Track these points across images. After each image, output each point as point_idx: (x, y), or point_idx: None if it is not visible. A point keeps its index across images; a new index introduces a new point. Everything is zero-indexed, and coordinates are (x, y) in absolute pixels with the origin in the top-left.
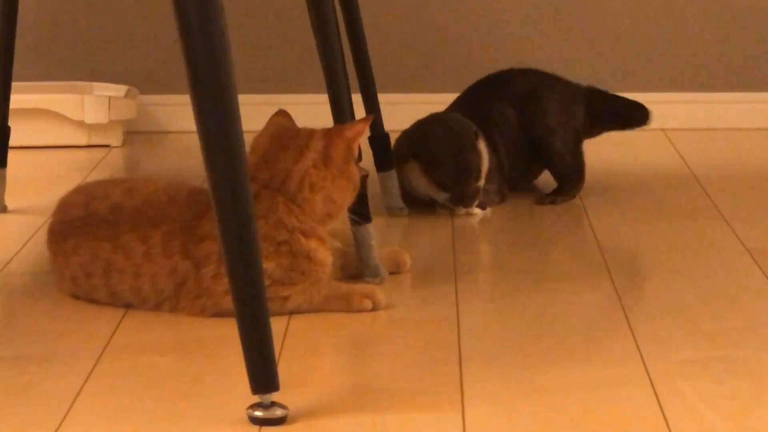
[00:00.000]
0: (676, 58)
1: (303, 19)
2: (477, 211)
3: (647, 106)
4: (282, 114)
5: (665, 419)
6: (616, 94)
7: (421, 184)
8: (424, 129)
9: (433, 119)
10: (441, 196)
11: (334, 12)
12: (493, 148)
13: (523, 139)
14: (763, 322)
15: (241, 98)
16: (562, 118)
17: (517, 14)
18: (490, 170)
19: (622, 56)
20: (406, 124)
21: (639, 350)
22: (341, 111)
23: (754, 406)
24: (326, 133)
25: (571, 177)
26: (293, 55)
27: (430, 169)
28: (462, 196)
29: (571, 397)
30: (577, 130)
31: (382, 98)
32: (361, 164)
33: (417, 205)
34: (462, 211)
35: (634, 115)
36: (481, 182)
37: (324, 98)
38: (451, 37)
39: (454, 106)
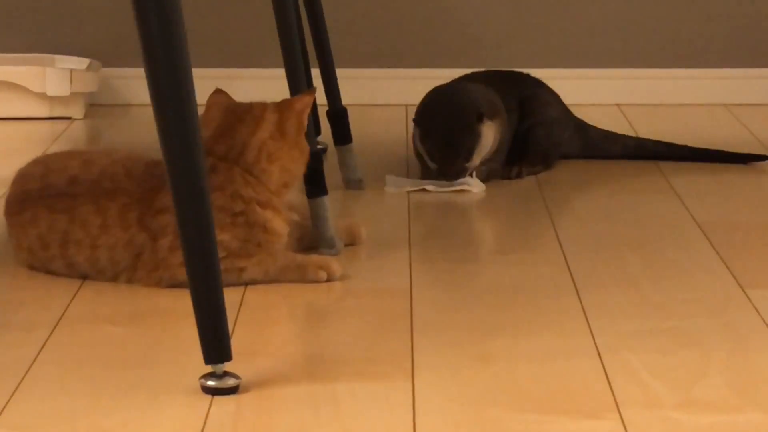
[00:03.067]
0: (631, 35)
1: None
2: (468, 188)
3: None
4: (220, 92)
5: (612, 390)
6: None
7: (419, 148)
8: (432, 98)
9: (446, 90)
10: (432, 165)
11: None
12: (503, 134)
13: (513, 134)
14: (711, 294)
15: (201, 72)
16: (552, 125)
17: None
18: (496, 151)
19: (580, 34)
20: (364, 98)
21: (587, 321)
22: (297, 85)
23: (700, 377)
24: (278, 106)
25: (538, 157)
26: (252, 29)
27: (424, 139)
28: (446, 172)
29: (519, 367)
30: (557, 142)
31: (340, 73)
32: (320, 138)
33: (423, 162)
34: (452, 186)
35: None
36: (473, 162)
37: (280, 73)
38: (410, 12)
39: (475, 80)
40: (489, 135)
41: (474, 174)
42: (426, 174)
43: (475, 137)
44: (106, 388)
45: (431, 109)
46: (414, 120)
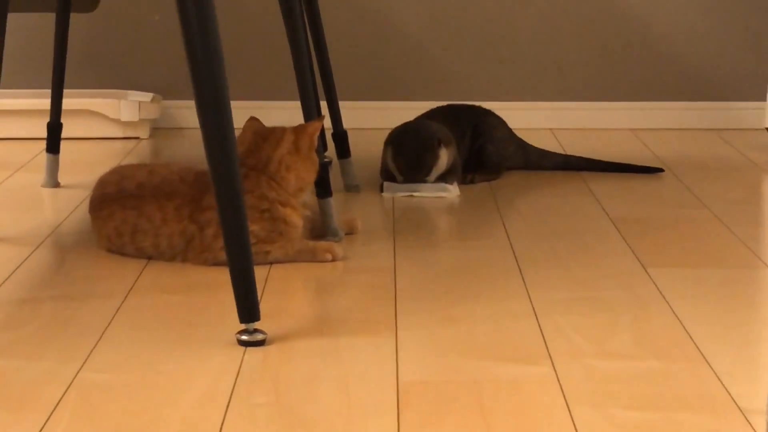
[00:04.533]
0: (561, 77)
1: (284, 44)
2: (442, 193)
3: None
4: (254, 119)
5: (545, 343)
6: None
7: (390, 164)
8: (404, 127)
9: (415, 123)
10: (399, 178)
11: (307, 40)
12: (455, 158)
13: (467, 153)
14: (619, 272)
15: (237, 103)
16: (501, 143)
17: (443, 41)
18: (450, 171)
19: (523, 76)
20: (361, 124)
21: (527, 291)
22: (310, 113)
23: (611, 334)
24: (295, 129)
25: (490, 168)
26: (276, 72)
27: (395, 155)
28: (411, 182)
29: (476, 326)
30: (504, 156)
31: (342, 104)
32: (327, 153)
33: (390, 178)
34: (429, 191)
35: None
36: (431, 177)
37: (296, 104)
38: (394, 60)
39: (431, 118)
40: (444, 157)
41: (454, 181)
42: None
43: (434, 157)
44: (166, 341)
45: (402, 136)
46: (387, 142)
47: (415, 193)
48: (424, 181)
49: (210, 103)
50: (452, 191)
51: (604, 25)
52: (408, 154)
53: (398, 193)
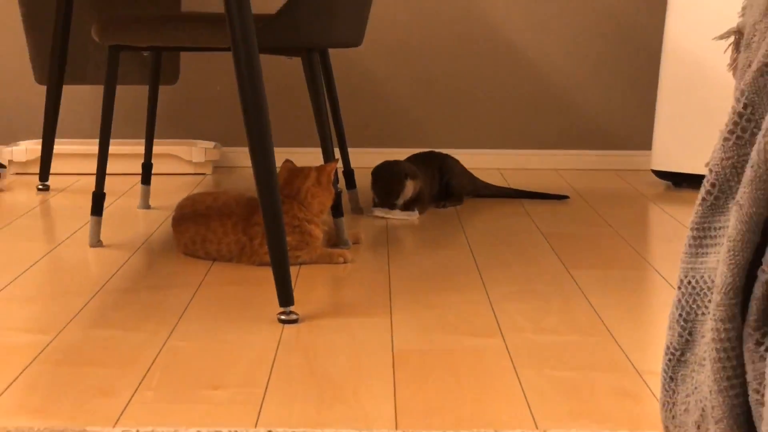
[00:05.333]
0: (505, 130)
1: (308, 106)
2: (406, 217)
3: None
4: (289, 161)
5: (498, 323)
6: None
7: (372, 191)
8: (381, 165)
9: (390, 162)
10: (377, 201)
11: (326, 103)
12: (421, 188)
13: (437, 187)
14: (549, 271)
15: (277, 149)
16: (460, 177)
17: (423, 105)
18: (414, 199)
19: (477, 127)
20: (364, 164)
21: (484, 285)
22: (328, 157)
23: (545, 316)
24: (317, 168)
25: (456, 197)
26: (301, 125)
27: (373, 185)
28: (384, 205)
29: (449, 310)
30: (464, 186)
31: (350, 150)
32: (338, 185)
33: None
34: (397, 215)
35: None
36: (399, 201)
37: (317, 150)
38: (388, 118)
39: (410, 161)
40: (410, 187)
41: (415, 208)
42: (374, 204)
43: (401, 187)
44: (227, 319)
45: (380, 170)
46: (371, 174)
47: (386, 216)
48: (395, 204)
49: (259, 148)
50: (413, 216)
51: (536, 92)
52: (382, 184)
53: (377, 214)
